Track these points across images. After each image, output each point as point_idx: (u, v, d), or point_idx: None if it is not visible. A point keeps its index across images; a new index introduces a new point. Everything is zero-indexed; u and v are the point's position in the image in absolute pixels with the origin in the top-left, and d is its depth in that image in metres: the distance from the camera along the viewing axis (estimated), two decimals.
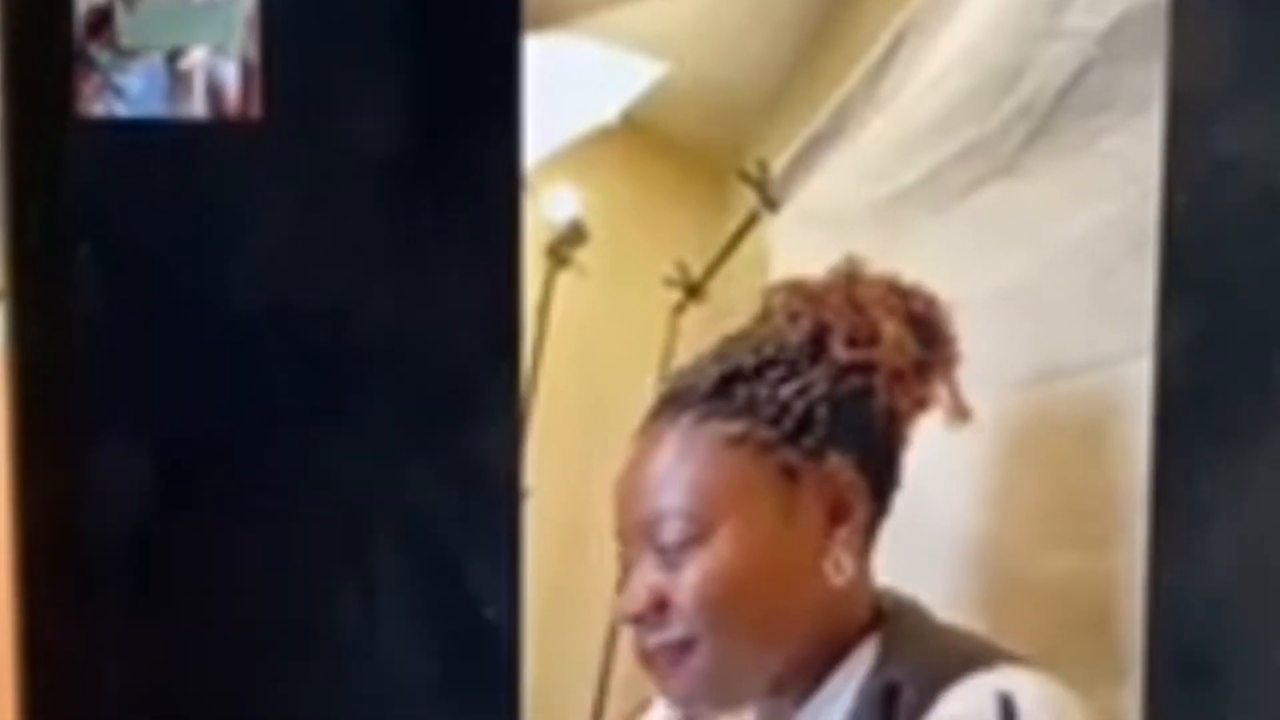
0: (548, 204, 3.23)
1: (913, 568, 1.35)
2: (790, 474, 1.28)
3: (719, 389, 1.30)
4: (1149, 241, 0.92)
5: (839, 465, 1.28)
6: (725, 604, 1.27)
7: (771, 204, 2.68)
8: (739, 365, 1.31)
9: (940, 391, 1.34)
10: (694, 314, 3.34)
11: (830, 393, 1.29)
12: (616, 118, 3.16)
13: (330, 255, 1.17)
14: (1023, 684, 1.20)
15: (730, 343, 1.35)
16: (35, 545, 1.15)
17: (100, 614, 1.17)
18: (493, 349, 1.18)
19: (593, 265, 3.30)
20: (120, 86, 1.13)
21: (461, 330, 1.17)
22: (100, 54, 1.13)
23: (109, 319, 1.16)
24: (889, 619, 1.31)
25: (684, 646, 1.28)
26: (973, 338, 1.37)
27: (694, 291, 3.36)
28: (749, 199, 2.78)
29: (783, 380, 1.29)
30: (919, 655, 1.27)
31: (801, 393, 1.29)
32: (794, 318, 1.34)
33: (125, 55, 1.14)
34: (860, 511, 1.29)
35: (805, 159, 2.49)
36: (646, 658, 1.31)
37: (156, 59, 1.14)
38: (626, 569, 1.33)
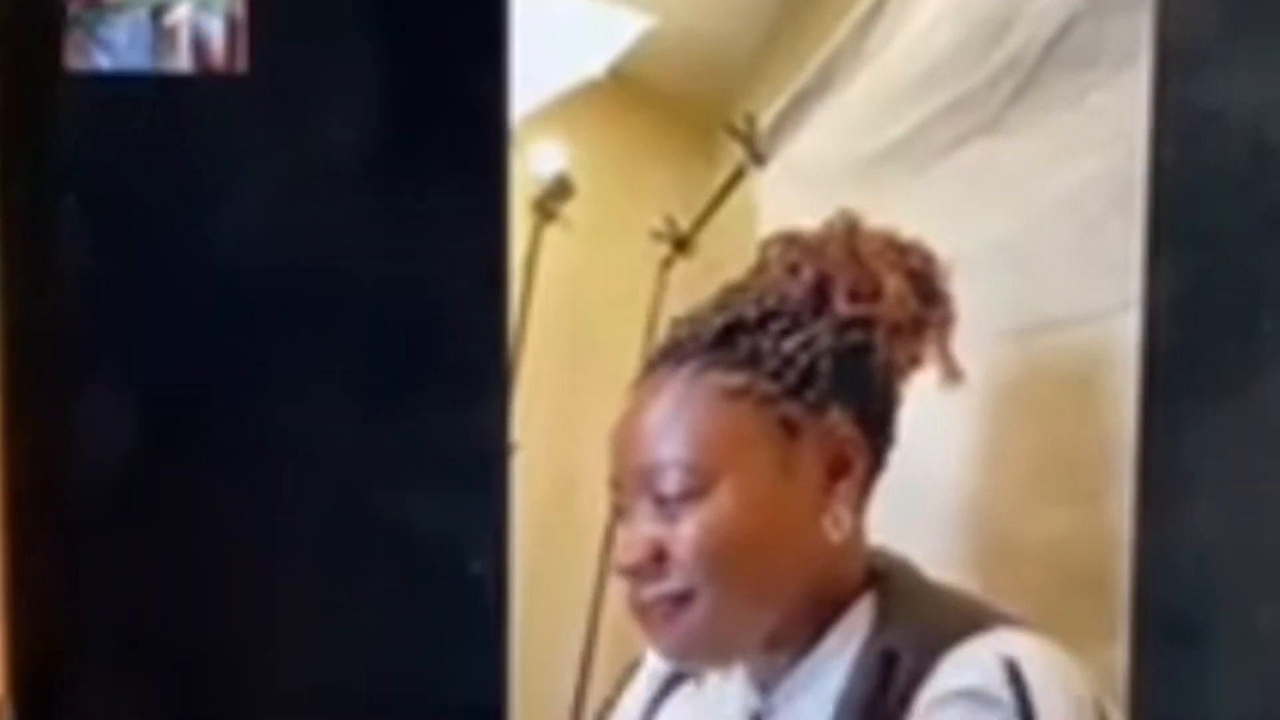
0: (534, 158, 3.23)
1: (902, 527, 1.35)
2: (791, 428, 1.27)
3: (721, 339, 1.29)
4: (1135, 196, 0.91)
5: (839, 420, 1.28)
6: (724, 557, 1.26)
7: (759, 158, 2.68)
8: (741, 316, 1.30)
9: (933, 350, 1.34)
10: (681, 268, 3.34)
11: (832, 347, 1.29)
12: (603, 71, 3.15)
13: (316, 209, 1.17)
14: (1025, 648, 1.20)
15: (730, 293, 1.35)
16: (22, 495, 1.15)
17: (86, 564, 1.17)
18: (479, 303, 1.17)
19: (579, 220, 3.29)
20: (106, 41, 1.13)
21: (448, 284, 1.17)
22: (86, 9, 1.13)
23: (95, 272, 1.16)
24: (883, 578, 1.31)
25: (680, 599, 1.27)
26: (959, 293, 1.36)
27: (681, 245, 3.36)
28: (736, 153, 2.78)
29: (785, 333, 1.29)
30: (915, 618, 1.27)
31: (805, 346, 1.28)
32: (794, 270, 1.33)
33: (111, 9, 1.13)
34: (859, 467, 1.29)
35: (792, 114, 2.49)
36: (641, 610, 1.30)
37: (142, 13, 1.13)
38: (621, 516, 1.33)
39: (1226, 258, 0.83)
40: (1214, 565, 0.84)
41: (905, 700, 1.22)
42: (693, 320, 1.33)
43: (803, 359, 1.28)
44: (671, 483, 1.27)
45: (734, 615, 1.28)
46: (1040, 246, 1.53)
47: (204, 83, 1.14)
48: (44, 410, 1.15)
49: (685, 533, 1.26)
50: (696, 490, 1.26)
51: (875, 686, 1.24)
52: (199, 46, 1.14)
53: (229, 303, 1.17)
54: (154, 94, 1.15)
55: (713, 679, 1.40)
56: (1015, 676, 1.17)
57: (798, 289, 1.31)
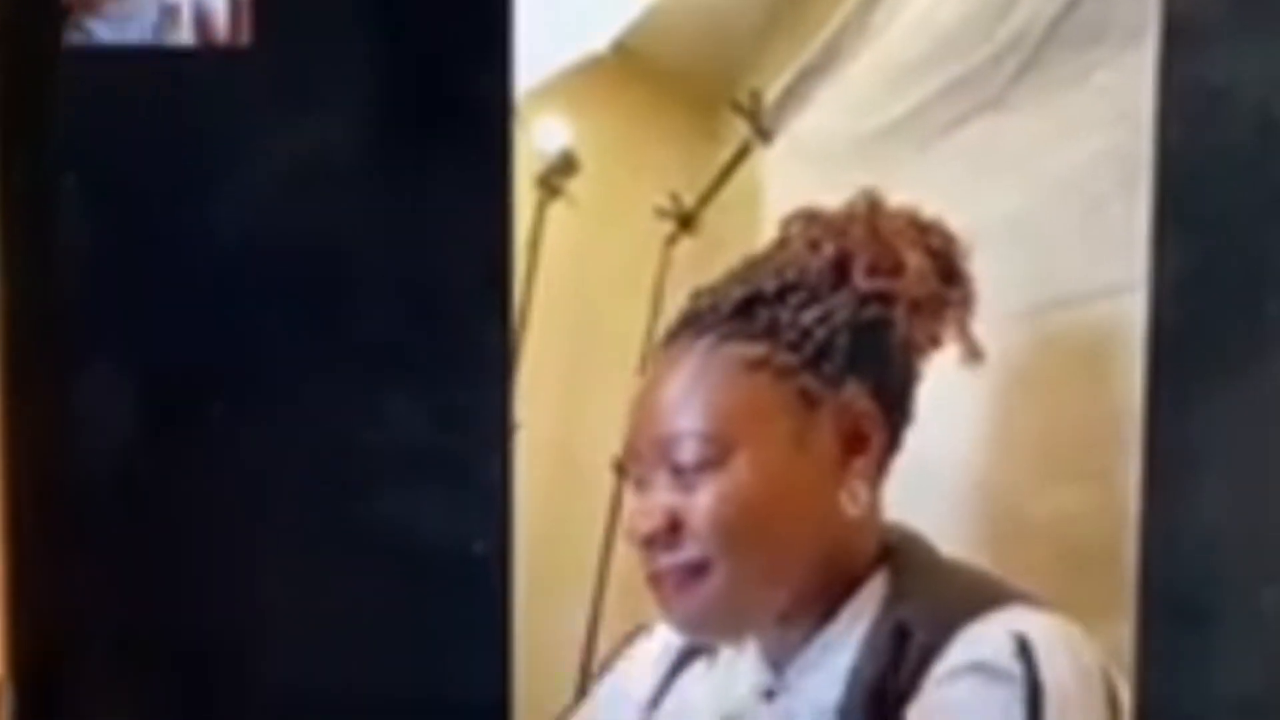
0: (538, 134, 3.21)
1: (912, 504, 1.35)
2: (808, 400, 1.28)
3: (740, 311, 1.30)
4: (1140, 175, 0.91)
5: (856, 394, 1.29)
6: (740, 528, 1.27)
7: (764, 135, 2.66)
8: (760, 288, 1.31)
9: (953, 329, 1.34)
10: (686, 245, 3.33)
11: (851, 321, 1.29)
12: (607, 46, 3.13)
13: (319, 185, 1.17)
14: (1037, 625, 1.20)
15: (751, 267, 1.35)
16: (21, 476, 1.15)
17: (85, 546, 1.17)
18: (483, 280, 1.17)
19: (584, 196, 3.28)
20: (107, 14, 1.12)
21: (452, 261, 1.17)
22: None
23: (96, 248, 1.16)
24: (896, 554, 1.31)
25: (695, 569, 1.28)
26: None
27: (686, 223, 3.34)
28: (742, 129, 2.76)
29: (804, 305, 1.30)
30: (928, 593, 1.27)
31: (823, 319, 1.29)
32: (815, 245, 1.34)
33: None
34: (876, 442, 1.30)
35: (797, 90, 2.47)
36: (655, 579, 1.31)
37: None
38: (636, 487, 1.33)
39: (1233, 237, 0.82)
40: (1220, 547, 0.83)
41: (917, 676, 1.22)
42: (713, 292, 1.34)
43: (820, 332, 1.28)
44: (689, 452, 1.28)
45: (748, 587, 1.29)
46: (1045, 224, 1.52)
47: (206, 56, 1.14)
48: (44, 390, 1.15)
49: (701, 502, 1.27)
50: (713, 460, 1.27)
51: (888, 663, 1.24)
52: (201, 20, 1.13)
53: (231, 281, 1.16)
54: (156, 68, 1.14)
55: (725, 656, 1.40)
56: (1025, 650, 1.17)
57: (818, 263, 1.32)
